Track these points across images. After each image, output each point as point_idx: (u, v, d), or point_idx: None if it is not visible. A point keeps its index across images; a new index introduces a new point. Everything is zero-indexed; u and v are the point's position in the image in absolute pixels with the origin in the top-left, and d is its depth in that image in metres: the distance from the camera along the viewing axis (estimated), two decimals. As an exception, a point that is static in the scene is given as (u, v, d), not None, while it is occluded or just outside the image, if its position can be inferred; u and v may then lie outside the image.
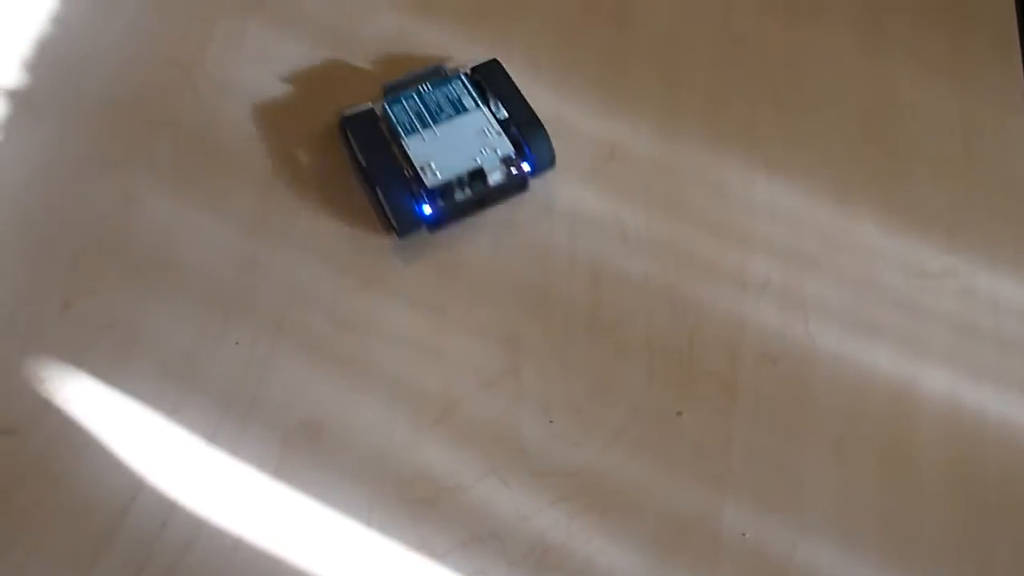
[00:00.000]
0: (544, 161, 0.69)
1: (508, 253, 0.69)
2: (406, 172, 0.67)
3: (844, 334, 0.66)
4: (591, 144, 0.74)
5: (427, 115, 0.69)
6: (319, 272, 0.68)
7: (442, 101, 0.69)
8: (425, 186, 0.66)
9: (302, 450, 0.62)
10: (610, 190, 0.72)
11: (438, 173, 0.66)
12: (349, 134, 0.69)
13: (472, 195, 0.67)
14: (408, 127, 0.68)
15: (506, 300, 0.67)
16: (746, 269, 0.68)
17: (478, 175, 0.67)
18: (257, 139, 0.73)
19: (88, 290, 0.67)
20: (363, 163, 0.68)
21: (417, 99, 0.69)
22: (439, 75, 0.72)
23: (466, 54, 0.75)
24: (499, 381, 0.64)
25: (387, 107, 0.69)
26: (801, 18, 0.81)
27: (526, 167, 0.68)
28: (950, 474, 0.62)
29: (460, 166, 0.66)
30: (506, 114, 0.69)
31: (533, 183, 0.70)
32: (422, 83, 0.70)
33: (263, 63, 0.77)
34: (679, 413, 0.63)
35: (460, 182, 0.67)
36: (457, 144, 0.67)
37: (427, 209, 0.66)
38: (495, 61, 0.71)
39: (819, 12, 0.81)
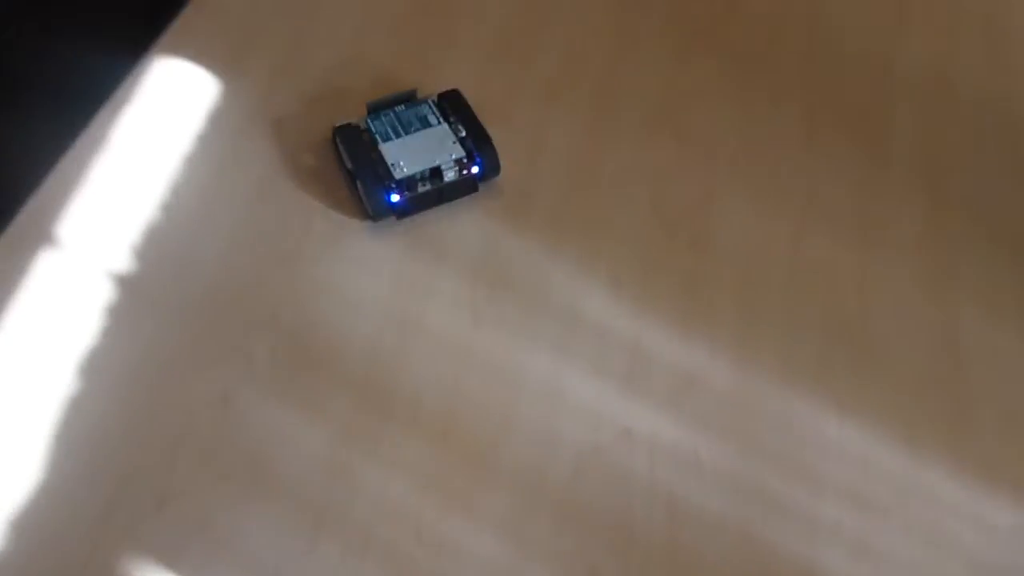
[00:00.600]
0: (491, 168, 0.85)
1: (590, 485, 0.71)
2: (380, 170, 0.83)
3: (913, 586, 0.68)
4: (669, 371, 0.77)
5: (400, 127, 0.85)
6: (408, 488, 0.70)
7: (412, 118, 0.86)
8: (394, 178, 0.82)
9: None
10: (687, 418, 0.74)
11: (404, 168, 0.83)
12: (337, 140, 0.85)
13: (431, 188, 0.83)
14: (384, 136, 0.84)
15: (586, 530, 0.69)
16: (817, 511, 0.70)
17: (436, 172, 0.83)
18: (350, 335, 0.77)
19: (182, 489, 0.70)
20: (348, 164, 0.84)
21: (393, 115, 0.86)
22: (412, 99, 0.88)
23: (550, 277, 0.80)
24: (577, 614, 0.66)
25: (368, 121, 0.86)
26: (872, 248, 0.85)
27: (475, 170, 0.84)
28: None
29: (422, 164, 0.83)
30: (463, 132, 0.85)
31: (608, 404, 0.73)
32: (398, 104, 0.87)
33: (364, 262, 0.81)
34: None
35: (422, 176, 0.83)
36: (422, 149, 0.84)
37: (395, 197, 0.82)
38: (456, 91, 0.88)
39: (889, 243, 0.85)
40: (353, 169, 0.84)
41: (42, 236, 0.82)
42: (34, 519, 0.69)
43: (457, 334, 0.78)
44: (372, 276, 0.81)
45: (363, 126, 0.86)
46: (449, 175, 0.84)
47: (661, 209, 0.86)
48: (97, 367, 0.76)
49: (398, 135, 0.85)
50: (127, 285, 0.80)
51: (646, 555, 0.68)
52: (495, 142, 0.85)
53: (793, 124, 0.94)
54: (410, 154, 0.84)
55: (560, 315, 0.79)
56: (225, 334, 0.77)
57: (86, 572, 0.67)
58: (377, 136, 0.85)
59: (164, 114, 0.90)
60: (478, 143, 0.85)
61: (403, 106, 0.87)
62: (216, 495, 0.70)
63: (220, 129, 0.90)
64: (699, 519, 0.70)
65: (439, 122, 0.86)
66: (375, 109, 0.87)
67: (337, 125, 0.86)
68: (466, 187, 0.85)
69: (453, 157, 0.84)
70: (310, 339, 0.77)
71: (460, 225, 0.85)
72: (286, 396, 0.74)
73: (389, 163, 0.83)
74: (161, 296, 0.79)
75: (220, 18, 0.98)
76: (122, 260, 0.81)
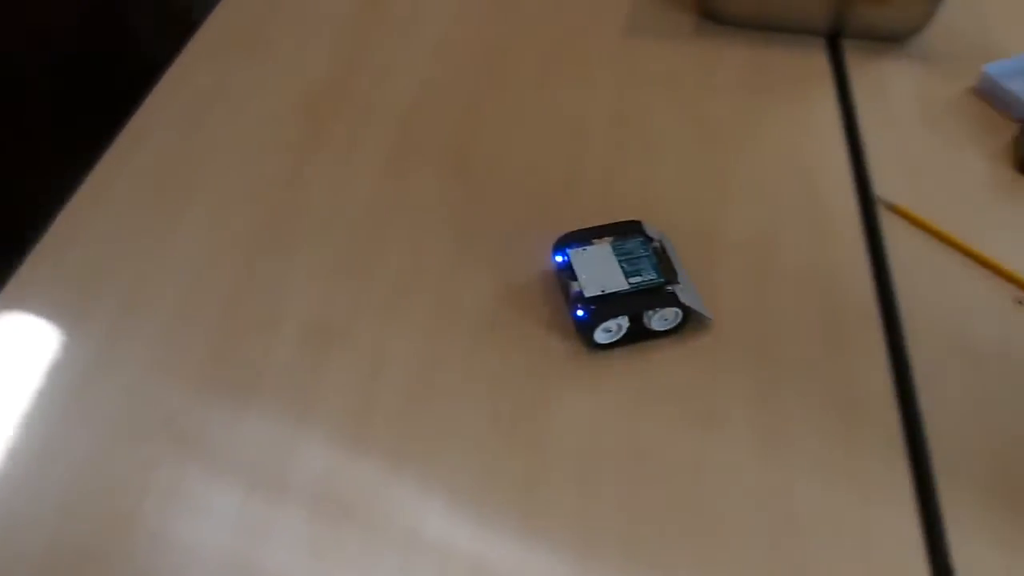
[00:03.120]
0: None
1: None
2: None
3: None
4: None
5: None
6: None
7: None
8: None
9: None
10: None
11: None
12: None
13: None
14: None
15: None
16: None
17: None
18: (192, 599, 0.76)
19: None
20: None
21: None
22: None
23: (390, 494, 0.81)
24: None
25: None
26: (706, 427, 0.88)
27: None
28: None
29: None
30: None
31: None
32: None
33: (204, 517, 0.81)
34: None
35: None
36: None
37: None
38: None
39: (723, 420, 0.88)
40: None
41: None
42: None
43: (298, 571, 0.78)
44: (214, 524, 0.81)
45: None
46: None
47: (498, 413, 0.89)
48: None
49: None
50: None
51: None
52: (336, 365, 0.87)
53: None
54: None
55: (400, 541, 0.80)
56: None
57: None
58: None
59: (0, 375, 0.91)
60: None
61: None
62: None
63: (56, 382, 0.91)
64: None
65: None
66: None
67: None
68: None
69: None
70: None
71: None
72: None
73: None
74: (-3, 570, 0.78)
75: (67, 262, 1.01)
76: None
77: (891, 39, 1.30)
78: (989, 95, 1.22)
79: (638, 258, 0.96)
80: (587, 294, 0.92)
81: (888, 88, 1.24)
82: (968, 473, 0.85)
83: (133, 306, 0.97)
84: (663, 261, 0.97)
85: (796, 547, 0.80)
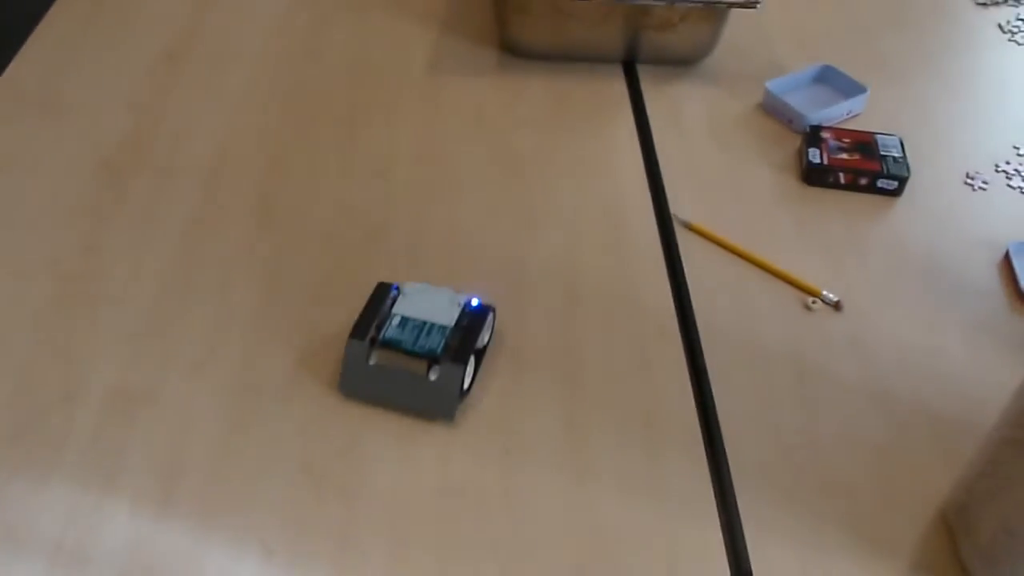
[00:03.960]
0: None
1: None
2: None
3: None
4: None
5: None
6: None
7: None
8: None
9: None
10: None
11: None
12: None
13: None
14: None
15: None
16: None
17: None
18: None
19: None
20: None
21: None
22: None
23: (202, 558, 0.80)
24: None
25: None
26: (515, 461, 0.90)
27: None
28: None
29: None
30: None
31: None
32: None
33: None
34: None
35: None
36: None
37: None
38: None
39: (531, 453, 0.90)
40: None
41: None
42: None
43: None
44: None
45: None
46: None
47: (310, 466, 0.89)
48: None
49: None
50: None
51: None
52: (142, 429, 0.86)
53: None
54: None
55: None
56: None
57: None
58: None
59: None
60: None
61: None
62: None
63: None
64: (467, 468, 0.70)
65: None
66: None
67: None
68: None
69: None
70: None
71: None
72: None
73: None
74: None
75: None
76: None
77: (682, 62, 1.37)
78: (772, 110, 1.29)
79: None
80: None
81: (681, 109, 1.30)
82: (762, 473, 0.89)
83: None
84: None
85: (605, 568, 0.82)
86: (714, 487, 0.88)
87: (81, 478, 0.87)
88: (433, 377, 0.91)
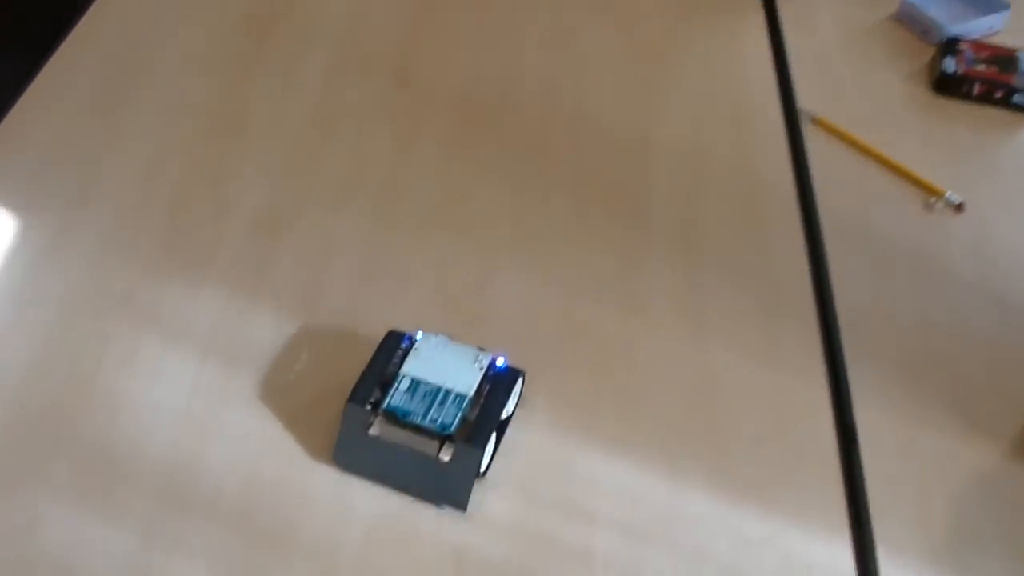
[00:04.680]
0: None
1: (382, 550, 0.76)
2: None
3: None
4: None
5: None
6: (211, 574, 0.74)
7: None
8: None
9: None
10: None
11: None
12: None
13: None
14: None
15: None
16: (591, 544, 0.77)
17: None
18: (149, 443, 0.80)
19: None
20: None
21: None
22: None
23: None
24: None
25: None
26: (635, 307, 0.94)
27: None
28: None
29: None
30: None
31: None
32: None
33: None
34: None
35: None
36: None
37: None
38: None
39: (650, 301, 0.94)
40: None
41: None
42: None
43: (252, 426, 0.82)
44: (170, 386, 0.85)
45: None
46: None
47: (443, 292, 0.94)
48: None
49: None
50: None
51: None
52: (284, 250, 0.91)
53: (563, 206, 1.03)
54: None
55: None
56: (26, 458, 0.80)
57: None
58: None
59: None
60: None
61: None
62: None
63: (14, 264, 0.94)
64: (483, 567, 0.75)
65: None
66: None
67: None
68: None
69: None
70: (110, 451, 0.80)
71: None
72: (89, 507, 0.77)
73: None
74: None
75: (17, 158, 1.03)
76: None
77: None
78: (908, 19, 1.29)
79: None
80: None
81: (814, 15, 1.31)
82: (873, 349, 0.92)
83: (83, 200, 1.00)
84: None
85: (712, 408, 0.86)
86: (824, 355, 0.91)
87: (228, 288, 0.93)
88: (445, 459, 0.75)
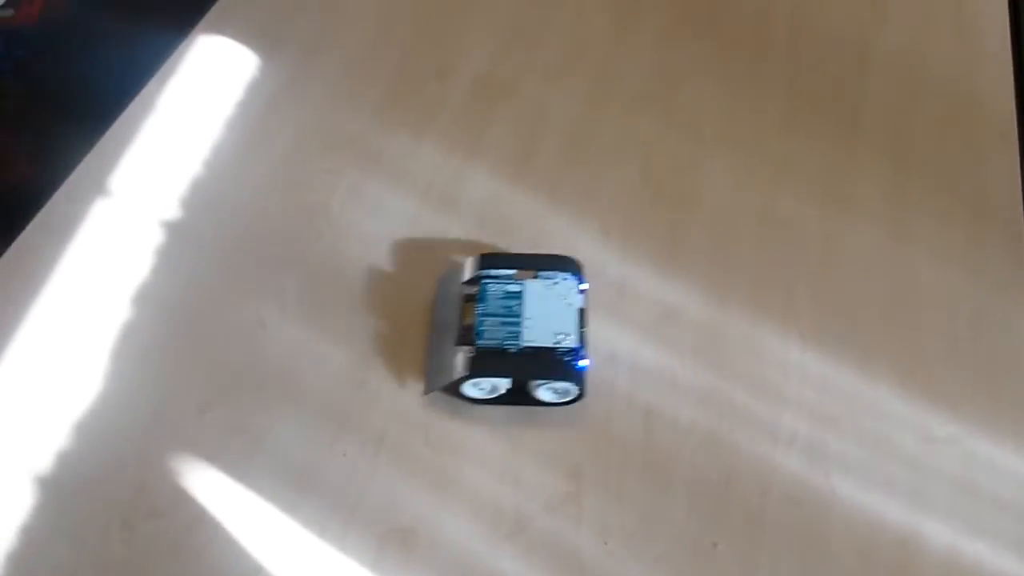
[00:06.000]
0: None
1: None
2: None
3: (859, 486, 0.77)
4: (650, 305, 0.87)
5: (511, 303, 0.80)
6: (417, 399, 0.81)
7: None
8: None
9: (395, 551, 0.73)
10: (664, 345, 0.84)
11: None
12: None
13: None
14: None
15: (572, 435, 0.79)
16: (779, 422, 0.80)
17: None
18: (371, 281, 0.87)
19: (221, 399, 0.81)
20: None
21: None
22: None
23: (548, 224, 0.90)
24: (563, 505, 0.76)
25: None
26: (837, 206, 0.94)
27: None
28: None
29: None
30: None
31: (597, 332, 0.83)
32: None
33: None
34: (715, 544, 0.74)
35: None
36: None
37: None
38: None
39: (854, 202, 0.95)
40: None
41: (97, 187, 0.93)
42: (94, 422, 0.79)
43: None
44: (392, 220, 0.91)
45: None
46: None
47: (648, 173, 0.96)
48: (147, 298, 0.86)
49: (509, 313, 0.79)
50: (173, 229, 0.91)
51: (623, 455, 0.78)
52: (502, 113, 0.95)
53: (773, 100, 1.03)
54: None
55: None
56: (259, 271, 0.88)
57: (139, 466, 0.77)
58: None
59: (205, 83, 1.02)
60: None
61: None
62: (251, 403, 0.80)
63: (256, 97, 1.01)
64: (672, 425, 0.80)
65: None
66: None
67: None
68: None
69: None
70: (336, 275, 0.88)
71: (468, 181, 0.95)
72: (314, 323, 0.85)
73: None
74: (203, 239, 0.90)
75: (260, 2, 1.10)
76: (168, 208, 0.92)
77: None
78: None
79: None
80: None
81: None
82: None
83: (317, 49, 1.06)
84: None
85: (908, 309, 0.87)
86: (1030, 275, 0.90)
87: (448, 142, 0.98)
88: None
